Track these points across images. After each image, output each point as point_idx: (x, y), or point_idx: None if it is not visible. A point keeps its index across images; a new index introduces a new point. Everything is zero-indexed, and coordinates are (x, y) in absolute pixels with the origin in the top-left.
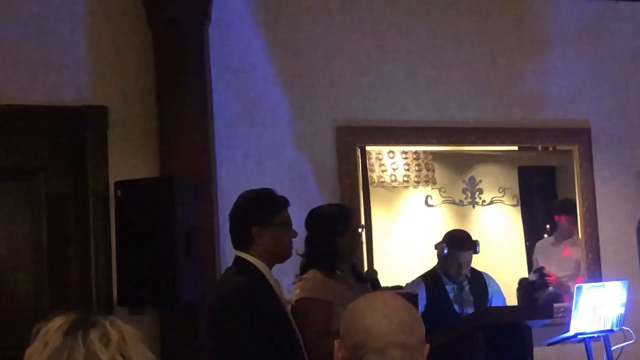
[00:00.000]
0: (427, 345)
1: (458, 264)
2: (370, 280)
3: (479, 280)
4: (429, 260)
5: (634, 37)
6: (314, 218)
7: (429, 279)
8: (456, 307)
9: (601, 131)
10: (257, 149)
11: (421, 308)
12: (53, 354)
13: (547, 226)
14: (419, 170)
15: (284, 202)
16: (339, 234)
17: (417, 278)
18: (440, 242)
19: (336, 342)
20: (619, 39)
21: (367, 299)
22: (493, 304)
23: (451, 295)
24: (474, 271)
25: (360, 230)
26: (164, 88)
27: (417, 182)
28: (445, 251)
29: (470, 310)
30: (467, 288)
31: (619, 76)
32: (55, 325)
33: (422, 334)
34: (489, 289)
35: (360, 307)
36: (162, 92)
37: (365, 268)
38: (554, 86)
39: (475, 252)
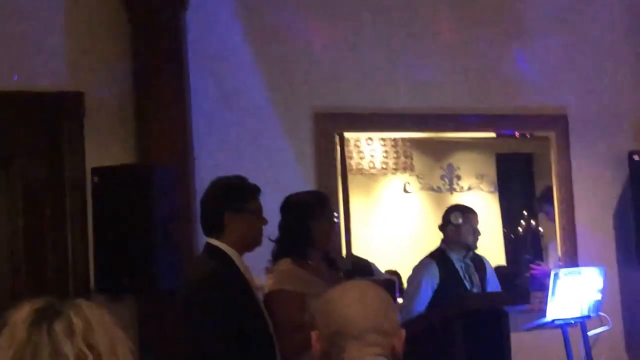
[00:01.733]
0: (403, 331)
1: (474, 229)
2: (343, 269)
3: (480, 261)
4: (408, 246)
5: (611, 24)
6: (289, 204)
7: (438, 257)
8: (467, 283)
9: (578, 118)
10: (235, 136)
11: (434, 286)
12: (18, 350)
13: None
14: (397, 158)
15: (256, 190)
16: (313, 220)
17: (426, 258)
18: (451, 215)
19: (313, 334)
20: (596, 25)
21: (341, 288)
22: (488, 287)
23: (461, 273)
24: (473, 253)
25: (335, 219)
26: (142, 74)
27: (396, 169)
28: (461, 220)
29: (477, 288)
30: (472, 266)
31: (597, 63)
32: (21, 317)
33: (397, 320)
34: (487, 271)
35: (335, 297)
36: (139, 79)
37: (344, 255)
38: (531, 73)
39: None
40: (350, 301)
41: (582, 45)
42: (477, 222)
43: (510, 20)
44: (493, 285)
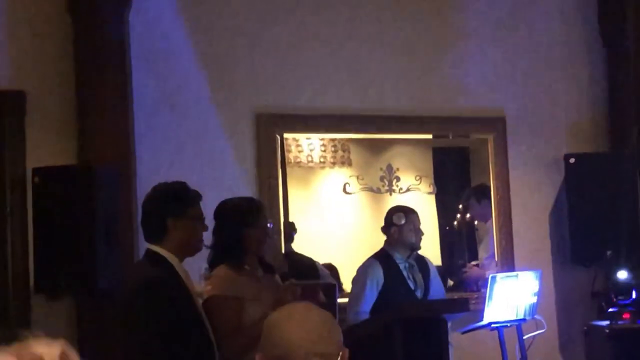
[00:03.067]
0: (347, 350)
1: (417, 229)
2: (279, 272)
3: (423, 261)
4: (346, 243)
5: (549, 29)
6: (224, 209)
7: (382, 257)
8: (410, 284)
9: (516, 120)
10: (177, 136)
11: (379, 286)
12: None
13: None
14: (335, 152)
15: (197, 196)
16: (246, 227)
17: (370, 259)
18: (393, 215)
19: (257, 356)
20: (535, 30)
21: (284, 311)
22: (432, 287)
23: (405, 273)
24: (416, 253)
25: (269, 225)
26: (84, 73)
27: (334, 163)
28: (404, 220)
29: (421, 288)
30: (415, 266)
31: (535, 67)
32: None
33: (340, 340)
34: (430, 271)
35: (278, 321)
36: (81, 78)
37: (284, 254)
38: (471, 76)
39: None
40: (292, 327)
41: (520, 50)
42: (419, 222)
43: (450, 24)
44: (436, 286)
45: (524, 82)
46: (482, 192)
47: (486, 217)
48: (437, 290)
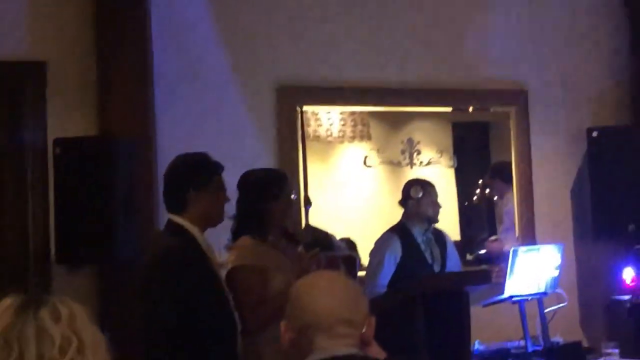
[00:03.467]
0: (373, 319)
1: (434, 202)
2: (303, 242)
3: (440, 235)
4: (365, 217)
5: (573, 2)
6: (247, 180)
7: (400, 231)
8: (428, 257)
9: (538, 94)
10: (197, 108)
11: (397, 260)
12: (4, 330)
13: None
14: (354, 126)
15: (219, 167)
16: (270, 198)
17: (387, 232)
18: (411, 188)
19: (282, 325)
20: (557, 2)
21: (310, 280)
22: (448, 261)
23: (422, 246)
24: (434, 227)
25: (293, 197)
26: (105, 44)
27: (353, 138)
28: (421, 193)
29: (438, 262)
30: (433, 239)
31: (557, 39)
32: (5, 304)
33: (366, 309)
34: (448, 245)
35: (305, 289)
36: (102, 49)
37: (303, 227)
38: (493, 48)
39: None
40: (318, 294)
41: (542, 22)
42: (436, 195)
43: None
44: (453, 259)
45: (546, 55)
46: (503, 171)
47: (503, 194)
48: (454, 264)
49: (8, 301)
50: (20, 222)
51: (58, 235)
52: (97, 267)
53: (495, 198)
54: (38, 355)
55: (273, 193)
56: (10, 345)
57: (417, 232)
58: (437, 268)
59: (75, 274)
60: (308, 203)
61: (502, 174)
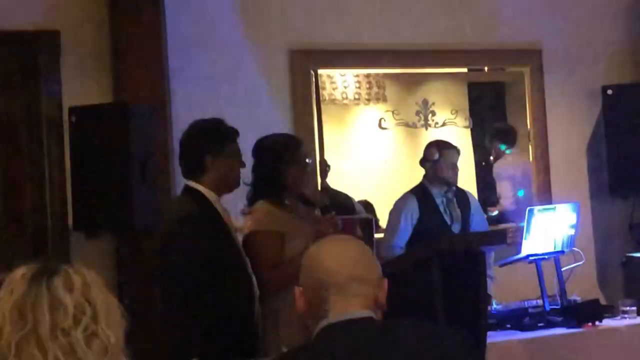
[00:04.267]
0: (386, 281)
1: (452, 164)
2: (320, 205)
3: (463, 196)
4: (382, 179)
5: None
6: (261, 147)
7: (419, 192)
8: (446, 218)
9: (553, 52)
10: (211, 73)
11: (414, 221)
12: (18, 300)
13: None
14: (370, 88)
15: (235, 133)
16: (285, 163)
17: (406, 193)
18: (428, 150)
19: (297, 290)
20: None
21: (324, 242)
22: (474, 221)
23: (441, 208)
24: (458, 187)
25: (308, 161)
26: (118, 12)
27: (368, 100)
28: (437, 156)
29: (458, 223)
30: (454, 201)
31: None
32: (19, 274)
33: (379, 271)
34: (472, 205)
35: (318, 251)
36: (116, 16)
37: (321, 189)
38: (508, 8)
39: (458, 152)
40: (332, 254)
41: None
42: (456, 157)
43: None
44: (478, 220)
45: (560, 13)
46: (502, 133)
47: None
48: (480, 224)
49: (21, 271)
50: (38, 191)
51: (75, 202)
52: (114, 234)
53: (492, 158)
54: (52, 325)
55: (288, 158)
56: (25, 316)
57: (436, 193)
58: (457, 229)
59: (93, 241)
60: (326, 166)
61: (501, 136)
